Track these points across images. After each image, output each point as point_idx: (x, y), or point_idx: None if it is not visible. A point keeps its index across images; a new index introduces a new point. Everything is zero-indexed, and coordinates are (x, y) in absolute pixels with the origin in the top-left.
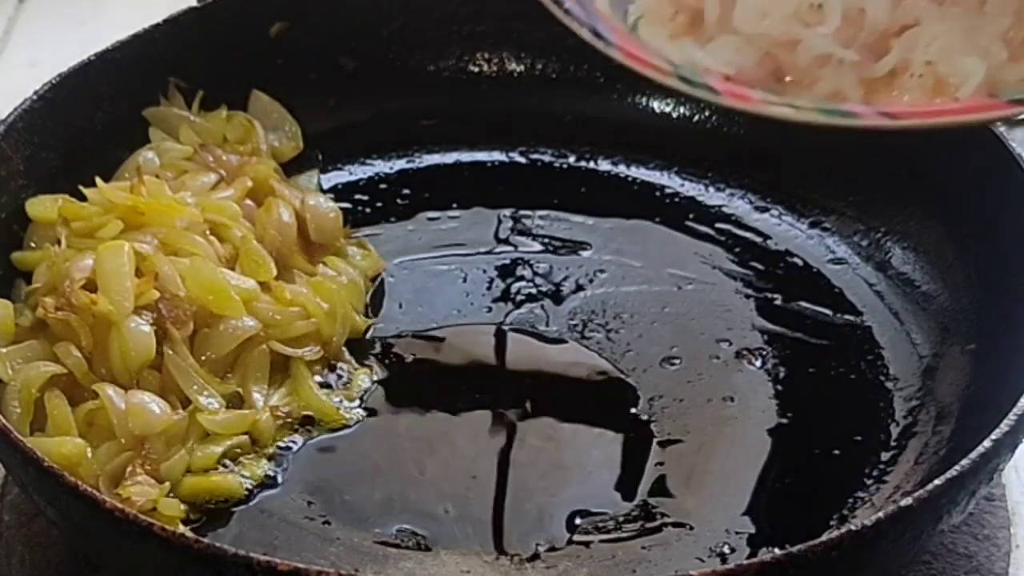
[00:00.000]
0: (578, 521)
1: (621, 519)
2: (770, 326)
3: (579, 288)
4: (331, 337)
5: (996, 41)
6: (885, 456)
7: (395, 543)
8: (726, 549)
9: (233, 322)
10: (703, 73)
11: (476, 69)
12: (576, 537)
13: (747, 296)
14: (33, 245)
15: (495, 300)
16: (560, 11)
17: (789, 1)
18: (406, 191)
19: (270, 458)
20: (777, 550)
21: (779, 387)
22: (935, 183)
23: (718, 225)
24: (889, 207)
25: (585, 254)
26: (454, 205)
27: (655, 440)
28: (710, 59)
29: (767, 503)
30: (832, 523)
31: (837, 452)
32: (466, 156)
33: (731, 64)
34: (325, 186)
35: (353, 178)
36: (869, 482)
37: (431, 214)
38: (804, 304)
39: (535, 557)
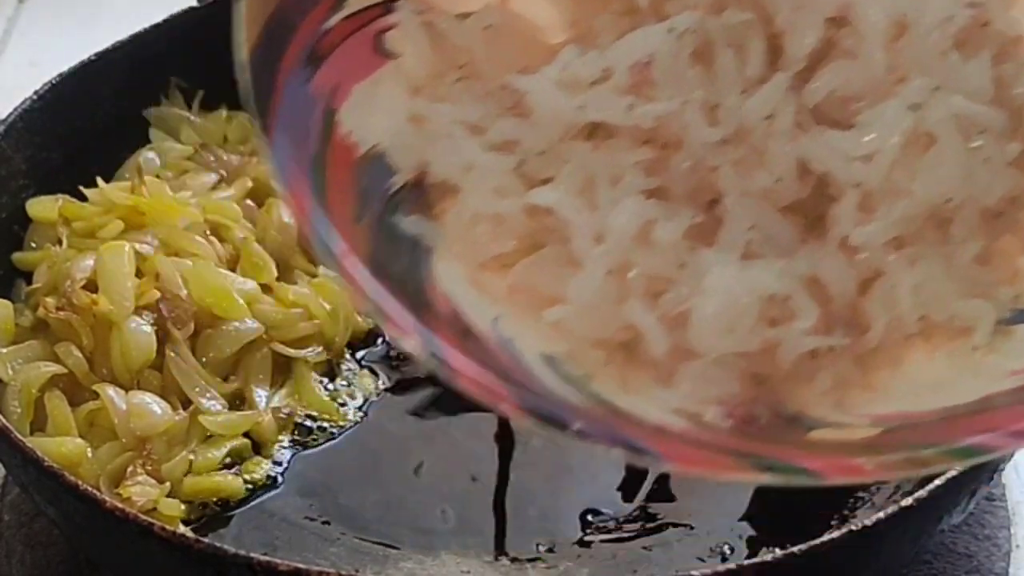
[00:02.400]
0: (590, 519)
1: (622, 519)
2: None
3: None
4: (333, 338)
5: (974, 267)
6: None
7: (395, 543)
8: (727, 549)
9: (236, 324)
10: (787, 456)
11: None
12: (579, 537)
13: None
14: (34, 245)
15: None
16: (572, 435)
17: (750, 303)
18: None
19: (271, 458)
20: (777, 550)
21: None
22: None
23: None
24: None
25: None
26: None
27: None
28: (690, 402)
29: (767, 503)
30: (832, 523)
31: None
32: None
33: (720, 400)
34: None
35: None
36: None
37: None
38: None
39: (535, 558)
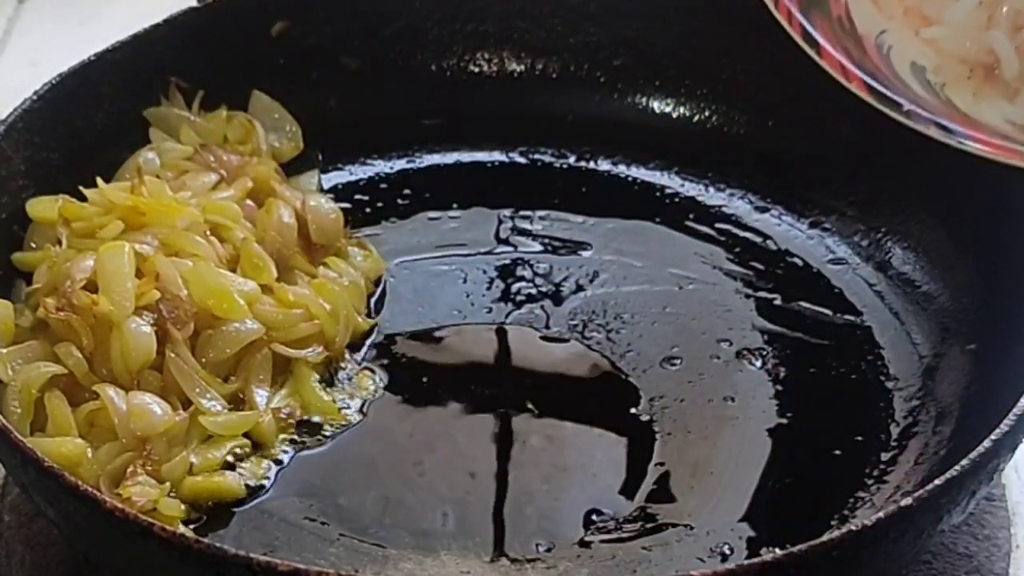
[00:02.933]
0: (590, 519)
1: (621, 520)
2: (770, 326)
3: (579, 288)
4: (334, 338)
5: None
6: (885, 456)
7: (395, 543)
8: (726, 549)
9: (236, 325)
10: None
11: (477, 69)
12: (579, 537)
13: (747, 296)
14: (34, 245)
15: (495, 300)
16: (901, 115)
17: None
18: (406, 191)
19: (271, 458)
20: (778, 550)
21: (779, 387)
22: (935, 183)
23: (718, 225)
24: (889, 207)
25: (585, 254)
26: (454, 205)
27: (656, 440)
28: (1015, 116)
29: (767, 503)
30: (832, 523)
31: (837, 452)
32: (466, 156)
33: None
34: (325, 186)
35: (353, 178)
36: (869, 482)
37: (431, 214)
38: (804, 304)
39: (535, 558)
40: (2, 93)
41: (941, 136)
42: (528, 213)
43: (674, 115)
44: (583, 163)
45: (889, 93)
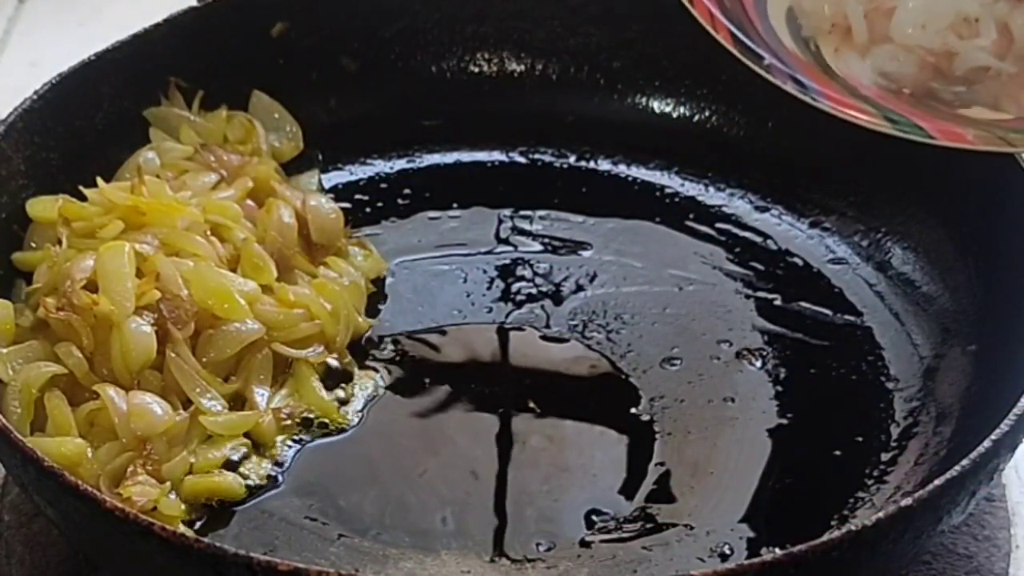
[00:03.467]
0: (591, 519)
1: (622, 520)
2: (770, 326)
3: (579, 288)
4: (334, 338)
5: None
6: (885, 456)
7: (395, 543)
8: (727, 549)
9: (237, 325)
10: (908, 115)
11: (477, 69)
12: (579, 537)
13: (747, 296)
14: (34, 245)
15: (495, 300)
16: (761, 68)
17: (945, 14)
18: (406, 191)
19: (271, 458)
20: (778, 550)
21: (779, 387)
22: (935, 183)
23: (718, 225)
24: (889, 207)
25: (585, 254)
26: (454, 205)
27: (656, 441)
28: (872, 70)
29: (767, 503)
30: (832, 523)
31: (837, 452)
32: (466, 156)
33: (894, 76)
34: (325, 186)
35: (353, 178)
36: (869, 482)
37: (431, 214)
38: (804, 304)
39: (535, 558)
40: (2, 93)
41: (797, 92)
42: (528, 213)
43: (674, 115)
44: (583, 163)
45: (752, 45)
